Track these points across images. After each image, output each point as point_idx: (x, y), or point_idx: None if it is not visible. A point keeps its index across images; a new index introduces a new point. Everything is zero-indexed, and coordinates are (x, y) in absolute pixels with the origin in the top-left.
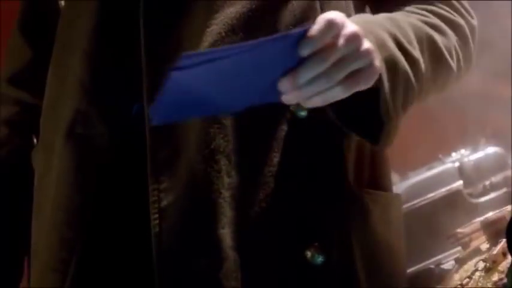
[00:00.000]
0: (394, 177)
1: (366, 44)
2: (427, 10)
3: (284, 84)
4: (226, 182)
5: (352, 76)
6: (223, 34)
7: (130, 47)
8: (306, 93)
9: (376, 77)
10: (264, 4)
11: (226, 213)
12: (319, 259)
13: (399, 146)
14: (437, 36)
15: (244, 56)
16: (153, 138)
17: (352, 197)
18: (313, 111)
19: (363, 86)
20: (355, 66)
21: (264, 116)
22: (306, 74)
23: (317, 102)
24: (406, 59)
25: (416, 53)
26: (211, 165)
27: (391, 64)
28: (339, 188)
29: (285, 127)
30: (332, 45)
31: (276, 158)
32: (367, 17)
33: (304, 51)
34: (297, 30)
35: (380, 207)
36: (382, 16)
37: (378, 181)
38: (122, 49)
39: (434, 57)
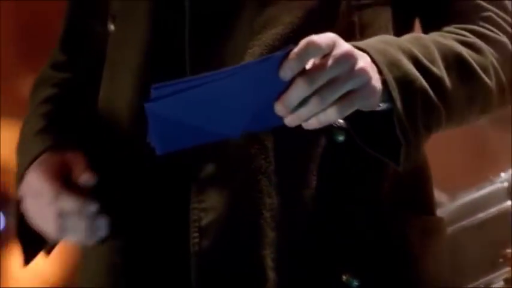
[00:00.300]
0: (443, 197)
1: (360, 63)
2: (466, 29)
3: (277, 108)
4: (267, 202)
5: (346, 97)
6: (265, 55)
7: (179, 66)
8: (300, 116)
9: (373, 97)
10: (305, 25)
11: (267, 234)
12: (355, 283)
13: (448, 166)
14: (469, 54)
15: (225, 82)
16: (195, 157)
17: (389, 221)
18: (350, 135)
19: (359, 106)
20: (348, 86)
21: (304, 139)
22: (294, 96)
23: (314, 124)
24: (426, 78)
25: (438, 71)
26: (252, 186)
27: (405, 83)
28: (376, 211)
29: (324, 150)
30: (321, 66)
31: (315, 180)
32: (386, 37)
33: (284, 74)
34: (279, 53)
35: (419, 230)
36: (407, 36)
37: (419, 203)
38: (170, 69)
39: (465, 75)
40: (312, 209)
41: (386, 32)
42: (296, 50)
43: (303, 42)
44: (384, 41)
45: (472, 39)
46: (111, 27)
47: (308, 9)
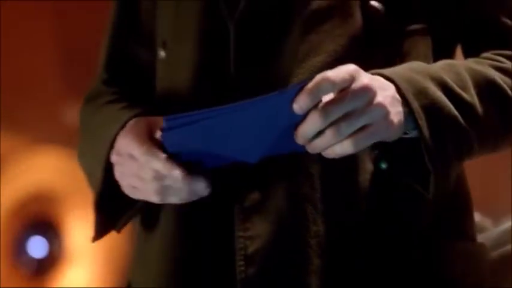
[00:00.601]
0: (487, 222)
1: (378, 98)
2: (503, 55)
3: (296, 138)
4: (313, 229)
5: (362, 130)
6: None
7: (227, 92)
8: (316, 146)
9: (391, 131)
10: (347, 53)
11: (312, 261)
12: None
13: (492, 190)
14: (502, 80)
15: (239, 115)
16: (241, 184)
17: (430, 246)
18: (392, 163)
19: (377, 140)
20: (364, 121)
21: (349, 165)
22: (309, 128)
23: (330, 154)
24: (456, 105)
25: (470, 97)
26: (297, 213)
27: (433, 110)
28: (418, 237)
29: (368, 177)
30: (337, 100)
31: (359, 207)
32: (415, 65)
33: (297, 110)
34: (292, 87)
35: (459, 256)
36: (440, 63)
37: (459, 228)
38: (220, 94)
39: (498, 101)
40: (357, 236)
41: (425, 60)
42: (309, 86)
43: (317, 78)
44: (412, 68)
45: (508, 64)
46: (162, 53)
47: (351, 37)
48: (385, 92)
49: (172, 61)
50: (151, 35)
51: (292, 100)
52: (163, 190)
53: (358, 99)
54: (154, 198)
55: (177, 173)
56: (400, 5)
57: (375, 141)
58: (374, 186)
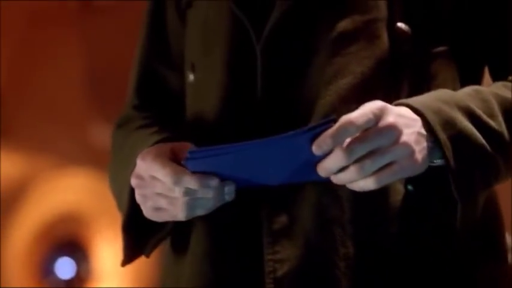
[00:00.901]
0: None
1: (405, 136)
2: None
3: (319, 171)
4: (342, 252)
5: (387, 168)
6: (337, 105)
7: (256, 115)
8: (339, 180)
9: (415, 168)
10: (375, 75)
11: (342, 283)
12: None
13: None
14: None
15: (260, 150)
16: (269, 207)
17: (461, 268)
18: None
19: (399, 177)
20: (388, 159)
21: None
22: (333, 164)
23: (353, 187)
24: (484, 133)
25: (497, 125)
26: (326, 236)
27: (460, 141)
28: (448, 260)
29: (398, 198)
30: (362, 138)
31: (389, 229)
32: (443, 93)
33: (318, 151)
34: (316, 126)
35: (490, 278)
36: (467, 89)
37: (490, 250)
38: (248, 117)
39: None
40: (387, 258)
41: (453, 83)
42: (332, 130)
43: (341, 121)
44: (439, 97)
45: None
46: (191, 76)
47: (378, 59)
48: (410, 129)
49: (201, 84)
50: (180, 58)
51: (313, 138)
52: (192, 204)
53: (383, 138)
54: (181, 215)
55: (213, 182)
56: (427, 27)
57: (399, 178)
58: (404, 208)
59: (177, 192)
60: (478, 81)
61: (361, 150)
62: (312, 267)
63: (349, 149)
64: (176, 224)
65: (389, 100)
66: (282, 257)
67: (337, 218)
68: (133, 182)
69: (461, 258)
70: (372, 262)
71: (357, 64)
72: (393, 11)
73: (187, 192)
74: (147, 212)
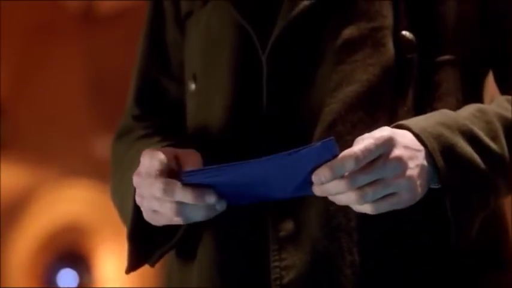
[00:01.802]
0: None
1: (409, 170)
2: None
3: (315, 190)
4: (348, 259)
5: (386, 198)
6: (343, 113)
7: (260, 123)
8: (336, 200)
9: (416, 199)
10: (381, 83)
11: None
12: None
13: None
14: None
15: (257, 169)
16: (275, 214)
17: (467, 277)
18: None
19: (396, 208)
20: (391, 190)
21: None
22: (333, 188)
23: (351, 207)
24: (485, 156)
25: (500, 148)
26: (332, 243)
27: (460, 168)
28: (454, 269)
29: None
30: (366, 169)
31: (395, 237)
32: (445, 116)
33: (317, 181)
34: (316, 147)
35: (496, 286)
36: (471, 109)
37: (497, 259)
38: (253, 126)
39: None
40: (392, 265)
41: (456, 92)
42: (334, 162)
43: (344, 154)
44: (442, 121)
45: None
46: (192, 86)
47: (383, 66)
48: (414, 162)
49: (204, 94)
50: (179, 67)
51: (312, 158)
52: (181, 209)
53: (388, 170)
54: (176, 219)
55: (210, 199)
56: (432, 35)
57: (396, 208)
58: (409, 217)
59: (158, 193)
60: (481, 90)
61: (364, 181)
62: (319, 274)
63: (352, 178)
64: (183, 235)
65: (394, 108)
66: (288, 264)
67: (344, 226)
68: (135, 180)
69: (466, 266)
70: (378, 270)
71: (362, 72)
72: (398, 20)
73: (180, 206)
74: (146, 214)
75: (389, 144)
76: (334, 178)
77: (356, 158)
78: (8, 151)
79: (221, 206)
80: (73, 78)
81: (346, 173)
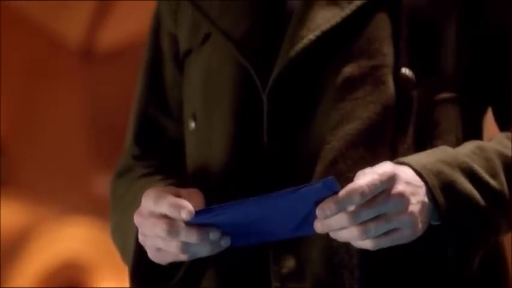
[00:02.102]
0: None
1: (411, 206)
2: None
3: (316, 226)
4: None
5: (388, 234)
6: (344, 150)
7: (261, 162)
8: (337, 236)
9: (417, 235)
10: (381, 121)
11: None
12: None
13: None
14: None
15: (263, 207)
16: (277, 251)
17: None
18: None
19: (397, 244)
20: (394, 226)
21: None
22: (335, 224)
23: (352, 242)
24: (484, 193)
25: (499, 185)
26: (335, 280)
27: (459, 205)
28: None
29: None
30: (368, 204)
31: (397, 274)
32: (445, 153)
33: (321, 215)
34: (318, 185)
35: None
36: (471, 146)
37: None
38: (253, 164)
39: None
40: None
41: (456, 130)
42: (339, 196)
43: (348, 188)
44: (442, 158)
45: None
46: (192, 124)
47: (383, 104)
48: (416, 198)
49: (204, 132)
50: (178, 105)
51: (317, 195)
52: (186, 247)
53: (391, 206)
54: (182, 257)
55: (214, 235)
56: (432, 73)
57: (396, 244)
58: (411, 253)
59: (162, 232)
60: (480, 127)
61: (367, 216)
62: None
63: (355, 214)
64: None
65: (394, 145)
66: None
67: (346, 262)
68: (136, 219)
69: None
70: None
71: (363, 109)
72: (399, 57)
73: (185, 245)
74: (150, 253)
75: (392, 179)
76: (338, 212)
77: (362, 192)
78: (7, 189)
79: (225, 242)
80: (72, 116)
81: (350, 208)
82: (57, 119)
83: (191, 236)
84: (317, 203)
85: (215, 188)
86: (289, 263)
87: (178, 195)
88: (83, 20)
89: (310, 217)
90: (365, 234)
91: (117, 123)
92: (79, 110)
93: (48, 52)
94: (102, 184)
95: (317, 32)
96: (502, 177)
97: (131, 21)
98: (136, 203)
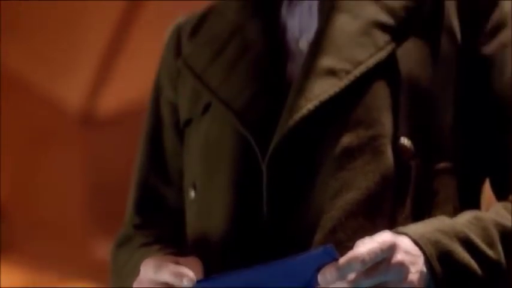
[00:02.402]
0: None
1: (410, 276)
2: None
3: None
4: None
5: None
6: (343, 220)
7: (261, 232)
8: None
9: None
10: (380, 191)
11: None
12: None
13: None
14: None
15: (262, 275)
16: None
17: None
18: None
19: None
20: None
21: None
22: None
23: None
24: (481, 263)
25: (496, 255)
26: None
27: (456, 274)
28: None
29: None
30: (368, 273)
31: None
32: (443, 223)
33: (323, 282)
34: (319, 252)
35: None
36: (468, 216)
37: None
38: (254, 235)
39: None
40: None
41: (453, 200)
42: (340, 263)
43: (349, 256)
44: (440, 228)
45: None
46: (192, 193)
47: (382, 174)
48: (415, 268)
49: (204, 202)
50: (178, 174)
51: (317, 262)
52: None
53: (391, 275)
54: None
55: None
56: (430, 143)
57: None
58: None
59: None
60: (478, 197)
61: (367, 284)
62: None
63: (355, 282)
64: None
65: (393, 214)
66: None
67: None
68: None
69: None
70: None
71: (362, 179)
72: (397, 127)
73: None
74: None
75: (392, 248)
76: (339, 279)
77: (363, 260)
78: (7, 255)
79: None
80: (72, 183)
81: (350, 276)
82: (57, 185)
83: None
84: (317, 271)
85: (215, 257)
86: None
87: (177, 264)
88: (83, 86)
89: (310, 285)
90: None
91: (116, 190)
92: (79, 177)
93: (49, 118)
94: (102, 250)
95: (315, 102)
96: (499, 247)
97: (131, 89)
98: (136, 273)
